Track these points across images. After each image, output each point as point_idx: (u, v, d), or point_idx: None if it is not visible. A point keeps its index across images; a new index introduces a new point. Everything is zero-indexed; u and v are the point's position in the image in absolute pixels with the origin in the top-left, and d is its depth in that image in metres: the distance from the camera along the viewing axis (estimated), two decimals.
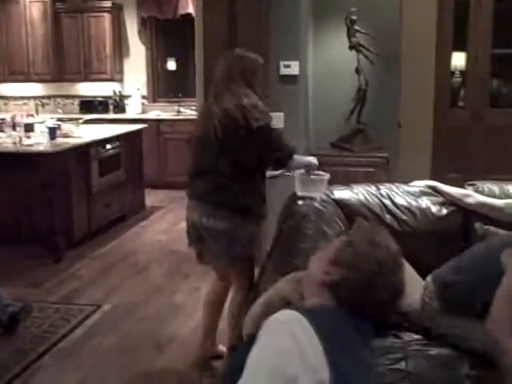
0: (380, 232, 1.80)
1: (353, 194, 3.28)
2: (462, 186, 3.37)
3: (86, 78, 8.72)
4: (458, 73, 6.26)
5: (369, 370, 1.57)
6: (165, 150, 8.28)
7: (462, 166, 5.83)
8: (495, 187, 3.32)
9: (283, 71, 4.91)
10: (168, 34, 8.99)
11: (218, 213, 3.02)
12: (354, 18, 4.99)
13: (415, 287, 2.60)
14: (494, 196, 3.21)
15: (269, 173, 3.33)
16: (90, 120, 7.24)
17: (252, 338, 1.46)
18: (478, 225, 3.08)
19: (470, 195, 3.16)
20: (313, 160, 3.24)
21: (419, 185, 3.32)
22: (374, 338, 1.70)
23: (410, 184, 3.36)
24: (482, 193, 3.26)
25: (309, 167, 3.17)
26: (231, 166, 3.00)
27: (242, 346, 1.55)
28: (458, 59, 6.14)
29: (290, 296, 1.87)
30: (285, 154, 3.11)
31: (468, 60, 5.89)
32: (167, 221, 6.71)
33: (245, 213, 3.04)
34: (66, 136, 5.92)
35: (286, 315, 1.46)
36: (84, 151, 5.77)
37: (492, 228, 2.94)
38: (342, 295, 1.60)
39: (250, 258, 3.20)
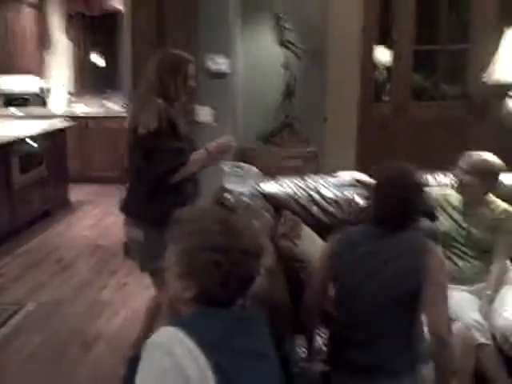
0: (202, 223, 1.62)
1: (280, 187, 3.33)
2: None
3: (9, 72, 8.42)
4: (383, 67, 6.41)
5: (264, 357, 1.58)
6: (92, 145, 8.12)
7: (387, 158, 5.95)
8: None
9: (212, 67, 4.91)
10: (95, 29, 8.78)
11: (131, 222, 2.95)
12: (281, 14, 5.04)
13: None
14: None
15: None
16: (14, 115, 7.02)
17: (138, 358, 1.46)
18: None
19: None
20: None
21: (344, 176, 3.38)
22: (262, 322, 1.68)
23: (335, 175, 3.42)
24: None
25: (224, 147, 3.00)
26: (136, 173, 2.92)
27: (131, 363, 1.52)
28: (384, 55, 6.29)
29: None
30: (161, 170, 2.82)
31: (392, 56, 6.04)
32: (93, 216, 6.59)
33: (156, 223, 2.62)
34: None
35: (161, 335, 1.45)
36: (4, 148, 5.58)
37: None
38: (203, 299, 1.54)
39: None
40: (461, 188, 2.97)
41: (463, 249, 2.92)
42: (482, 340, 2.53)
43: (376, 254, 2.18)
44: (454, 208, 3.00)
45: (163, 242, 2.81)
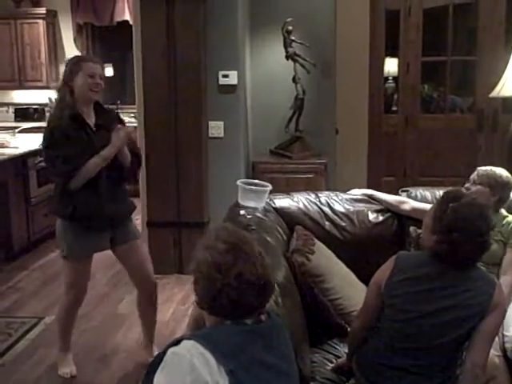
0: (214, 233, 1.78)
1: (293, 202, 3.40)
2: (397, 188, 3.54)
3: (21, 86, 8.53)
4: (391, 79, 6.48)
5: (279, 370, 1.67)
6: None
7: (397, 169, 6.04)
8: (427, 192, 3.51)
9: (222, 81, 4.99)
10: (105, 41, 8.91)
11: None
12: (290, 28, 5.09)
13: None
14: (426, 201, 3.39)
15: None
16: (26, 129, 7.11)
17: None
18: (411, 229, 3.24)
19: (405, 201, 3.32)
20: None
21: (357, 193, 3.45)
22: (280, 333, 1.76)
23: (348, 192, 3.49)
24: (415, 198, 3.43)
25: None
26: None
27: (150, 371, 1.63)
28: (391, 66, 6.36)
29: None
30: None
31: (400, 67, 6.10)
32: None
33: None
34: (1, 146, 5.82)
35: (182, 348, 1.57)
36: (21, 162, 5.67)
37: None
38: (219, 312, 1.66)
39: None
40: None
41: None
42: (496, 353, 2.52)
43: (442, 291, 2.17)
44: None
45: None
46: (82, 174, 3.09)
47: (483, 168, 3.08)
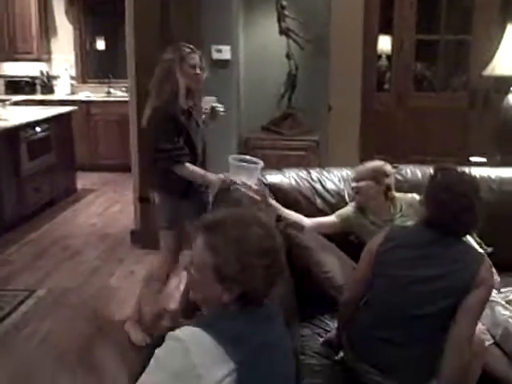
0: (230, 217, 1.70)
1: (285, 178, 3.41)
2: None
3: (11, 58, 8.44)
4: (384, 56, 6.46)
5: (283, 350, 1.68)
6: (95, 132, 8.18)
7: (389, 147, 6.05)
8: (417, 170, 3.51)
9: (215, 56, 4.96)
10: (96, 14, 8.81)
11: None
12: (285, 3, 5.06)
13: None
14: (417, 179, 3.40)
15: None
16: (17, 101, 7.06)
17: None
18: None
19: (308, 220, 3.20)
20: None
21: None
22: (279, 316, 1.77)
23: None
24: (405, 175, 3.43)
25: None
26: None
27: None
28: (385, 43, 6.34)
29: None
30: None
31: (393, 45, 6.09)
32: (100, 204, 6.68)
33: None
34: None
35: (184, 333, 1.52)
36: (13, 134, 5.65)
37: None
38: (243, 301, 1.61)
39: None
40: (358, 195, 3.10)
41: None
42: (488, 341, 2.48)
43: (430, 259, 2.20)
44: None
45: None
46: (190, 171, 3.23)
47: (358, 166, 3.16)
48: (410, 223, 2.78)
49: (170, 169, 3.23)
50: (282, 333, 1.73)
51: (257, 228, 1.62)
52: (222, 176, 3.19)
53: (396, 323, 2.19)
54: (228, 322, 1.58)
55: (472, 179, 2.33)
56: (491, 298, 2.69)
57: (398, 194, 3.11)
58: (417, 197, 3.01)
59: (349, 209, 3.17)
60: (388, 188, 3.05)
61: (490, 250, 2.87)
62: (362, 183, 3.05)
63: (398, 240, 2.30)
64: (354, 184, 3.12)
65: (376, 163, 3.10)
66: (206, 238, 1.62)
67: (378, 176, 3.03)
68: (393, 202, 3.07)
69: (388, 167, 3.09)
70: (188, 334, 1.52)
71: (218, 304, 1.61)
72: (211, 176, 3.24)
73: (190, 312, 1.80)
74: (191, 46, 3.36)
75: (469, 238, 2.76)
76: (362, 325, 2.30)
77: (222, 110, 3.57)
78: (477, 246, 2.81)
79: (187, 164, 3.22)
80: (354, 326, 2.34)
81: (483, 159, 4.86)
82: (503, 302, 2.69)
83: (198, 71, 3.33)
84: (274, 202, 3.17)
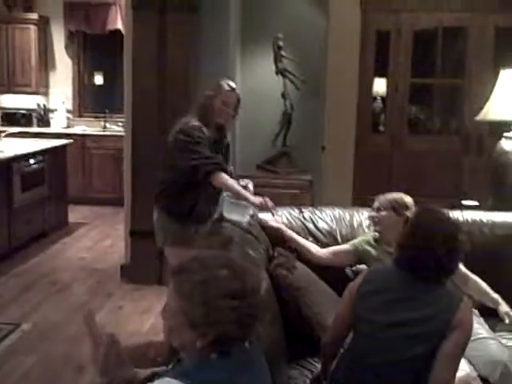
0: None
1: (277, 216, 3.38)
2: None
3: (10, 90, 8.51)
4: (379, 98, 6.51)
5: None
6: (90, 166, 8.19)
7: (383, 188, 6.03)
8: None
9: None
10: (96, 49, 8.91)
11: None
12: (281, 43, 5.12)
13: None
14: None
15: None
16: (13, 133, 7.06)
17: None
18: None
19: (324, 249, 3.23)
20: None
21: (273, 224, 3.31)
22: (263, 360, 1.72)
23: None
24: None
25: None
26: None
27: None
28: (380, 85, 6.39)
29: None
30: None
31: (388, 87, 6.14)
32: (91, 238, 6.63)
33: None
34: None
35: None
36: (6, 165, 5.64)
37: None
38: (217, 345, 1.56)
39: None
40: (377, 225, 3.09)
41: None
42: (472, 375, 2.46)
43: (406, 303, 2.14)
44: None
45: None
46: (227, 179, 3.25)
47: (381, 195, 3.15)
48: None
49: (207, 177, 3.20)
50: (265, 377, 1.69)
51: (224, 270, 1.57)
52: (262, 199, 3.19)
53: (370, 370, 2.12)
54: (207, 371, 1.53)
55: (453, 222, 2.30)
56: (484, 335, 2.68)
57: None
58: None
59: (363, 238, 3.18)
60: (406, 220, 3.03)
61: None
62: (382, 213, 3.06)
63: (373, 284, 2.25)
64: (373, 213, 3.11)
65: (397, 195, 3.11)
66: (174, 283, 1.61)
67: (398, 207, 3.04)
68: None
69: (409, 199, 3.09)
70: None
71: (194, 350, 1.56)
72: (249, 195, 3.23)
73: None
74: (232, 85, 3.42)
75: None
76: (345, 367, 2.25)
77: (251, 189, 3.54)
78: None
79: (225, 174, 3.21)
80: (338, 368, 2.29)
81: (475, 203, 4.87)
82: (499, 339, 2.65)
83: (229, 110, 3.36)
84: (290, 232, 3.21)
